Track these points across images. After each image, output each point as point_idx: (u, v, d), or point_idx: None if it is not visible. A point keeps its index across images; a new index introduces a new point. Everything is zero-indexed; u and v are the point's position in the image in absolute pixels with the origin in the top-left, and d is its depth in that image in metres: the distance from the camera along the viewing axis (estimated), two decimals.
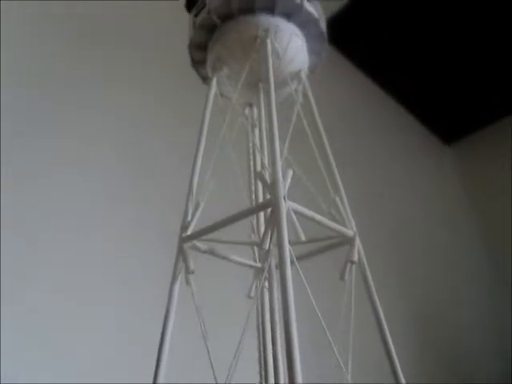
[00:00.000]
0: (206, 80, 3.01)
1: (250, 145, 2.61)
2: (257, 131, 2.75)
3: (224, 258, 2.33)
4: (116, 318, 3.67)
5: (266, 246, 1.88)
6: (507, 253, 7.64)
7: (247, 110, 2.94)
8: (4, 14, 4.11)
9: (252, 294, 2.44)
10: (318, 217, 2.04)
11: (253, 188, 2.51)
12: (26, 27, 4.26)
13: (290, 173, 1.99)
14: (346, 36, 6.78)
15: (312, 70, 2.95)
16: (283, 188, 1.89)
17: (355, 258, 2.13)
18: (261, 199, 2.47)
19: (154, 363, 2.15)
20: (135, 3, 5.12)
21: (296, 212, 1.93)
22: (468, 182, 8.97)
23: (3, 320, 3.14)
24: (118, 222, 4.09)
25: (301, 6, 2.65)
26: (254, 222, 2.55)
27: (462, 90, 7.98)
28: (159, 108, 4.76)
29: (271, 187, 1.91)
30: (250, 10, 2.63)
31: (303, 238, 1.84)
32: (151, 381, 2.16)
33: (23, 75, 4.08)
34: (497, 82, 7.78)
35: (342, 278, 2.19)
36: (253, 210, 2.23)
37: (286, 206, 1.86)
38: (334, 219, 2.31)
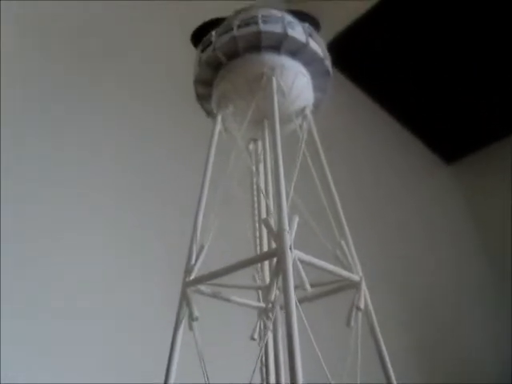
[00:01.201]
0: (210, 114, 3.00)
1: (255, 187, 2.58)
2: (261, 167, 2.74)
3: (228, 300, 2.30)
4: (115, 319, 3.67)
5: (272, 297, 1.86)
6: (507, 264, 7.72)
7: (251, 145, 2.93)
8: (4, 13, 4.14)
9: (255, 336, 2.41)
10: (324, 264, 2.02)
11: (257, 225, 2.48)
12: (25, 37, 4.27)
13: (296, 219, 1.98)
14: (349, 59, 6.85)
15: (317, 105, 2.95)
16: (289, 238, 1.87)
17: (362, 305, 2.11)
18: (265, 241, 2.44)
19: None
20: (137, 15, 5.15)
21: (302, 261, 1.91)
22: (470, 199, 9.05)
23: (3, 320, 3.15)
24: (119, 229, 4.12)
25: (306, 45, 2.65)
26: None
27: (462, 113, 8.07)
28: (159, 119, 4.77)
29: (277, 236, 1.89)
30: (255, 48, 2.63)
31: (309, 288, 1.82)
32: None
33: (22, 80, 4.08)
34: (495, 105, 7.88)
35: (348, 324, 2.16)
36: (258, 259, 2.21)
37: (292, 255, 1.84)
38: (339, 261, 2.29)
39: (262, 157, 2.87)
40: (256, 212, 2.47)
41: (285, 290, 1.80)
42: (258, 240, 2.45)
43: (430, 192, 8.54)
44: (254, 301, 2.51)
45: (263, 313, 2.44)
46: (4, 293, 3.22)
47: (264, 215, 2.45)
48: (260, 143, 2.95)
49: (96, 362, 3.43)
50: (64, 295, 3.54)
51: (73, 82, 4.42)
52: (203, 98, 2.94)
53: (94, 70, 4.58)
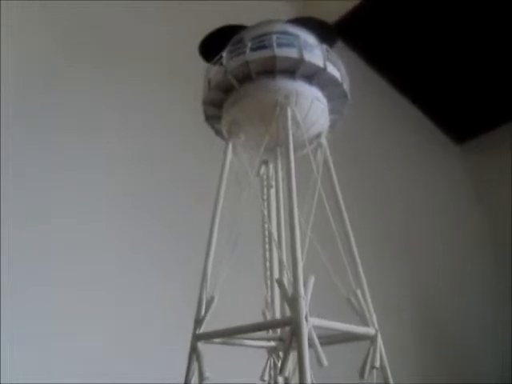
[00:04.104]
0: (219, 134, 2.85)
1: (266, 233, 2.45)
2: (273, 204, 2.60)
3: (240, 344, 2.24)
4: (115, 320, 3.66)
5: (286, 373, 1.78)
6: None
7: (263, 169, 2.79)
8: (4, 14, 3.94)
9: (266, 378, 2.36)
10: (339, 325, 1.94)
11: (269, 282, 2.37)
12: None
13: (312, 280, 1.88)
14: (359, 36, 6.63)
15: (332, 126, 2.78)
16: (305, 305, 1.78)
17: (377, 364, 2.03)
18: (277, 292, 2.33)
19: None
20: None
21: (318, 327, 1.83)
22: (477, 182, 8.95)
23: (3, 320, 3.15)
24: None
25: (324, 69, 2.45)
26: (269, 298, 2.45)
27: (473, 95, 7.83)
28: (165, 140, 4.61)
29: (292, 303, 1.80)
30: (269, 72, 2.45)
31: (325, 363, 1.74)
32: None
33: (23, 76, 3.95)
34: (507, 87, 7.63)
35: (361, 376, 2.10)
36: (271, 325, 2.12)
37: (308, 325, 1.76)
38: (353, 308, 2.22)
39: (273, 182, 2.74)
40: (267, 264, 2.34)
41: (300, 362, 1.73)
42: (270, 283, 2.36)
43: (439, 171, 8.43)
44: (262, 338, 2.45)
45: (273, 351, 2.39)
46: (4, 293, 3.22)
47: (276, 260, 2.35)
48: (271, 166, 2.82)
49: (95, 362, 3.43)
50: (64, 296, 3.52)
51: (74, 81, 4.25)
52: (212, 118, 2.78)
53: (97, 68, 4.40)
